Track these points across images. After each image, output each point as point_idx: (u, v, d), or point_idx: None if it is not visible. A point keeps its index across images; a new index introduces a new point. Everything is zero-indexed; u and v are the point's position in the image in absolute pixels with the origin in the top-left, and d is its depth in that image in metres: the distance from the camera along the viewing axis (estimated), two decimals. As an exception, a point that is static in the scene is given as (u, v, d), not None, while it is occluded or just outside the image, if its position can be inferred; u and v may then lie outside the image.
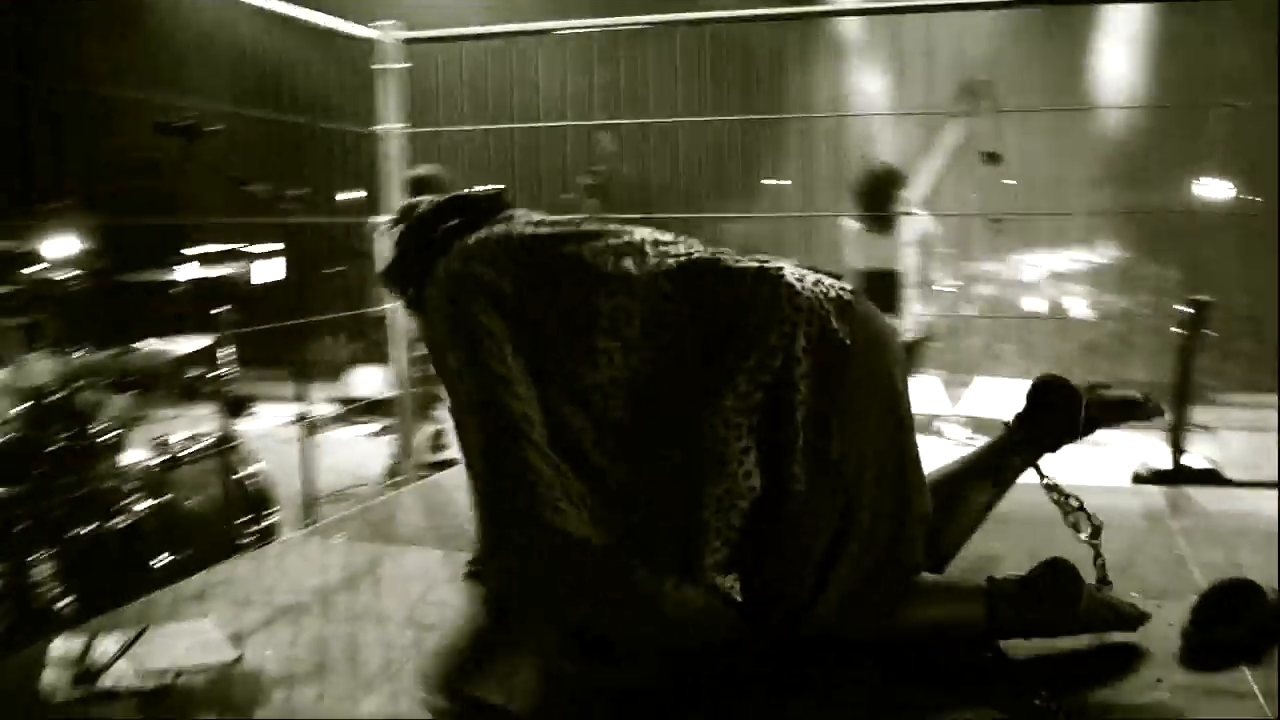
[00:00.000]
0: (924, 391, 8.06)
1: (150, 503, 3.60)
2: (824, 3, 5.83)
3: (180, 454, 3.78)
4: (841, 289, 1.86)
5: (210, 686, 1.87)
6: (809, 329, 1.78)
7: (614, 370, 1.82)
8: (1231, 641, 1.84)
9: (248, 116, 3.57)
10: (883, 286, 5.59)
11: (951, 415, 7.79)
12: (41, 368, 3.91)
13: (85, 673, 1.87)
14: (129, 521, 3.51)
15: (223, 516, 3.86)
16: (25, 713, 1.81)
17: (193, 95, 3.59)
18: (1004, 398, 8.06)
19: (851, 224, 5.84)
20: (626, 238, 1.93)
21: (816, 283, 1.85)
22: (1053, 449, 2.18)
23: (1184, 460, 3.79)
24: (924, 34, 5.59)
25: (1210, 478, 3.78)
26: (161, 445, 3.85)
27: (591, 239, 1.92)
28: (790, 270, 1.86)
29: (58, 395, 3.72)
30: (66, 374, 3.80)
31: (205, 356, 3.94)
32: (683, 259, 1.89)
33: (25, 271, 3.74)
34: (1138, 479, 3.94)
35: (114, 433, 3.66)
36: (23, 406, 3.56)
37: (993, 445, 2.21)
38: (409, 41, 3.76)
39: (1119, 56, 6.80)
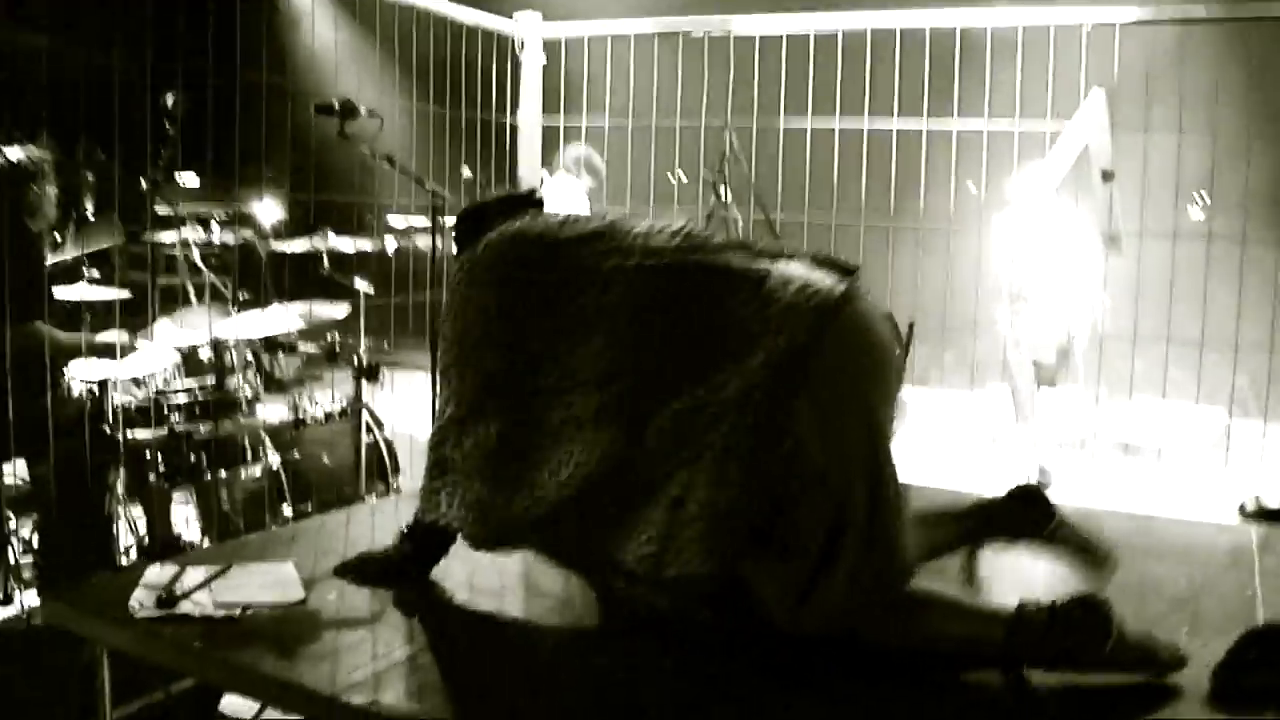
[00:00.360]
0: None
1: (277, 457, 3.88)
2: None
3: (308, 415, 4.04)
4: (828, 295, 1.85)
5: (272, 622, 2.05)
6: (777, 337, 1.81)
7: (599, 360, 1.94)
8: (1260, 686, 1.79)
9: (400, 106, 3.75)
10: None
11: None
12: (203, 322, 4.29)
13: (169, 596, 2.09)
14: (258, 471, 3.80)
15: (348, 475, 4.13)
16: (114, 620, 2.03)
17: (346, 87, 3.82)
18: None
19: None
20: (624, 239, 2.01)
21: (804, 287, 1.86)
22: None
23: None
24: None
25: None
26: (294, 406, 4.13)
27: (593, 239, 2.04)
28: (781, 273, 1.89)
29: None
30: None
31: (344, 324, 4.21)
32: (670, 259, 1.96)
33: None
34: (1243, 514, 3.78)
35: (252, 388, 3.96)
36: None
37: (965, 513, 2.28)
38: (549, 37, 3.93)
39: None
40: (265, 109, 4.03)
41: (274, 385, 4.59)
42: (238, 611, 2.07)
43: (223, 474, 3.70)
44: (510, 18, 4.03)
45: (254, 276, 5.35)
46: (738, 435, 1.80)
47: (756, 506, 1.80)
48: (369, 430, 4.30)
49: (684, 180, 6.27)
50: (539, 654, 1.99)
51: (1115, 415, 8.08)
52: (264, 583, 2.24)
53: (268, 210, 6.98)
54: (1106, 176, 4.87)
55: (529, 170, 3.91)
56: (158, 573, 2.24)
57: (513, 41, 3.99)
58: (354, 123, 3.57)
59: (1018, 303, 5.61)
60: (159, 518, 3.63)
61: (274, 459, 3.89)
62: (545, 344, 2.01)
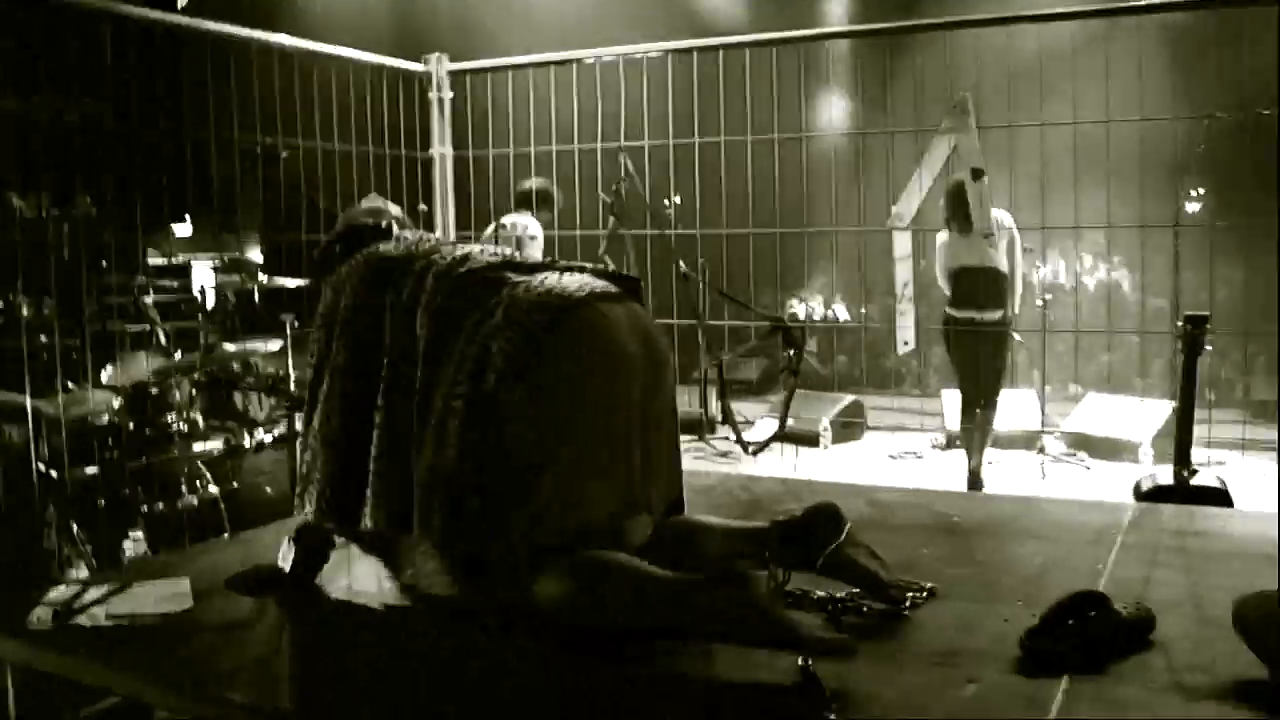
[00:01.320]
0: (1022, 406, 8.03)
1: (213, 487, 4.06)
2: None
3: (242, 444, 4.22)
4: (560, 298, 2.12)
5: (156, 630, 2.21)
6: (509, 334, 2.08)
7: (392, 354, 2.24)
8: (1061, 652, 1.87)
9: (323, 147, 3.97)
10: (984, 281, 6.25)
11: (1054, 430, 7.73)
12: (140, 365, 4.48)
13: (64, 610, 2.27)
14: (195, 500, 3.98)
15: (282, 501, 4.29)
16: (6, 633, 2.21)
17: (271, 131, 4.04)
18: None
19: (942, 234, 6.52)
20: (438, 254, 2.32)
21: (548, 291, 2.14)
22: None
23: (1197, 480, 3.76)
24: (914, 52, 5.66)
25: (1218, 498, 3.74)
26: (229, 435, 4.31)
27: (420, 256, 2.34)
28: (540, 279, 2.19)
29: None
30: (161, 370, 4.32)
31: (277, 356, 4.40)
32: (462, 269, 2.25)
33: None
34: (1138, 494, 3.92)
35: (190, 422, 4.14)
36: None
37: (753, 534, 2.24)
38: (455, 73, 4.13)
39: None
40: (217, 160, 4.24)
41: (238, 419, 4.76)
42: (125, 621, 2.25)
43: (159, 505, 3.88)
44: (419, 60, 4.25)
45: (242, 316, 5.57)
46: (464, 412, 2.08)
47: (475, 478, 2.05)
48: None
49: (679, 203, 6.56)
50: (390, 648, 2.15)
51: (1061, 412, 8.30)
52: (157, 596, 2.41)
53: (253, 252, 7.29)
54: (976, 174, 5.07)
55: (441, 200, 4.10)
56: (61, 591, 2.42)
57: (421, 80, 4.19)
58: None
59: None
60: (106, 548, 3.81)
61: (212, 489, 4.07)
62: (379, 337, 2.28)
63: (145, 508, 3.85)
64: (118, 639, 2.16)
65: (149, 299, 5.41)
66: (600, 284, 2.22)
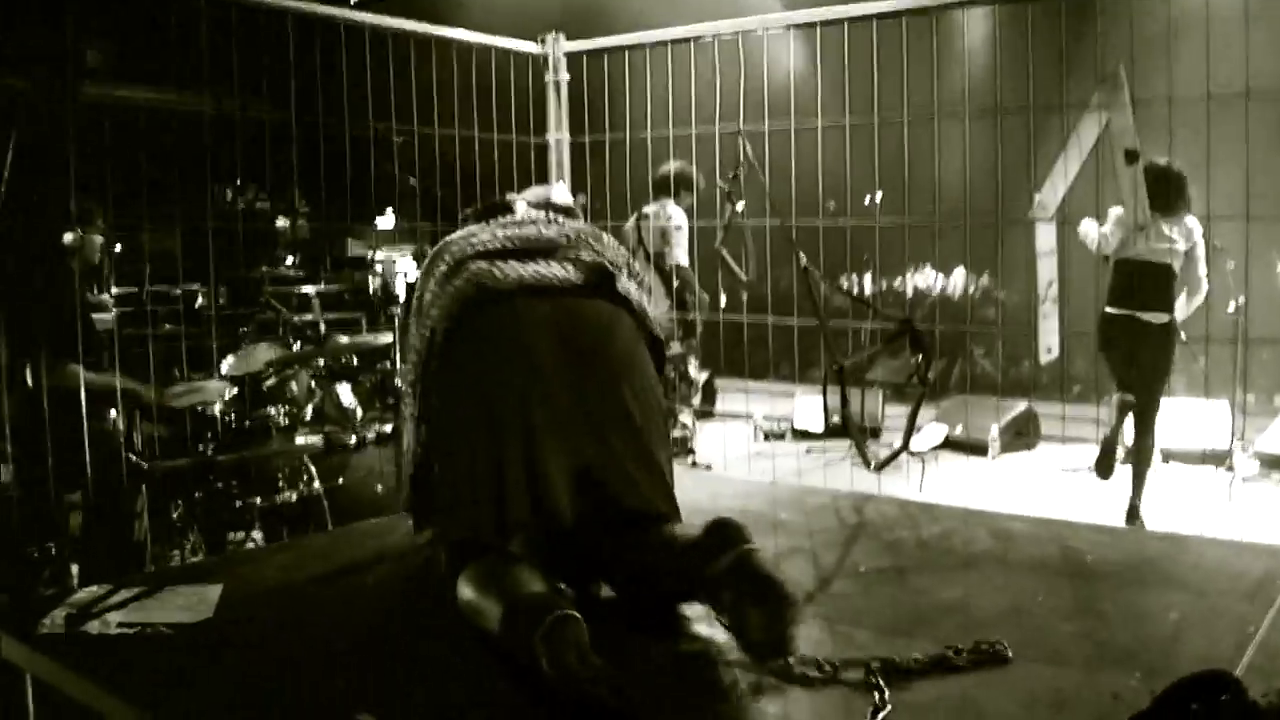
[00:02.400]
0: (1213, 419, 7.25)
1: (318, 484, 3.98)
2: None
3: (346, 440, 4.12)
4: (483, 287, 2.09)
5: (167, 640, 2.06)
6: (434, 324, 2.11)
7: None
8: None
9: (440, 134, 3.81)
10: (1152, 278, 5.49)
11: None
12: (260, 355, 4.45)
13: (78, 615, 2.14)
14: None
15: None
16: (11, 636, 2.09)
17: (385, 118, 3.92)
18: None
19: (1115, 212, 5.63)
20: (475, 238, 2.27)
21: (476, 283, 2.10)
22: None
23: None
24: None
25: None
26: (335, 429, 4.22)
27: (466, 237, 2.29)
28: (494, 269, 2.13)
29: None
30: (276, 360, 4.27)
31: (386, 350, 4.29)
32: (466, 254, 2.23)
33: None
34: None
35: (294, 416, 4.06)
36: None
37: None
38: (572, 55, 3.91)
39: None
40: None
41: (340, 416, 4.67)
42: (134, 630, 2.10)
43: (257, 500, 3.80)
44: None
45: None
46: (409, 401, 2.20)
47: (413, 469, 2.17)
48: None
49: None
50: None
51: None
52: (181, 604, 2.26)
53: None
54: (1131, 157, 4.48)
55: (560, 185, 3.89)
56: (87, 594, 2.30)
57: (538, 61, 4.00)
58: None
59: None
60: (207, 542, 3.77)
61: (315, 485, 3.98)
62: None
63: (239, 502, 3.78)
64: (110, 648, 2.01)
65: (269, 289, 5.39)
66: (560, 275, 2.13)
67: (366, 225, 7.91)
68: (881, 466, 3.51)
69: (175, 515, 3.76)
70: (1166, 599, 2.14)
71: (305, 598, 2.32)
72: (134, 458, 3.61)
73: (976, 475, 7.30)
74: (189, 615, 2.19)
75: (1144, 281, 5.48)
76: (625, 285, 2.20)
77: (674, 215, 6.29)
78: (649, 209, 5.93)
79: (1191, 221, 5.50)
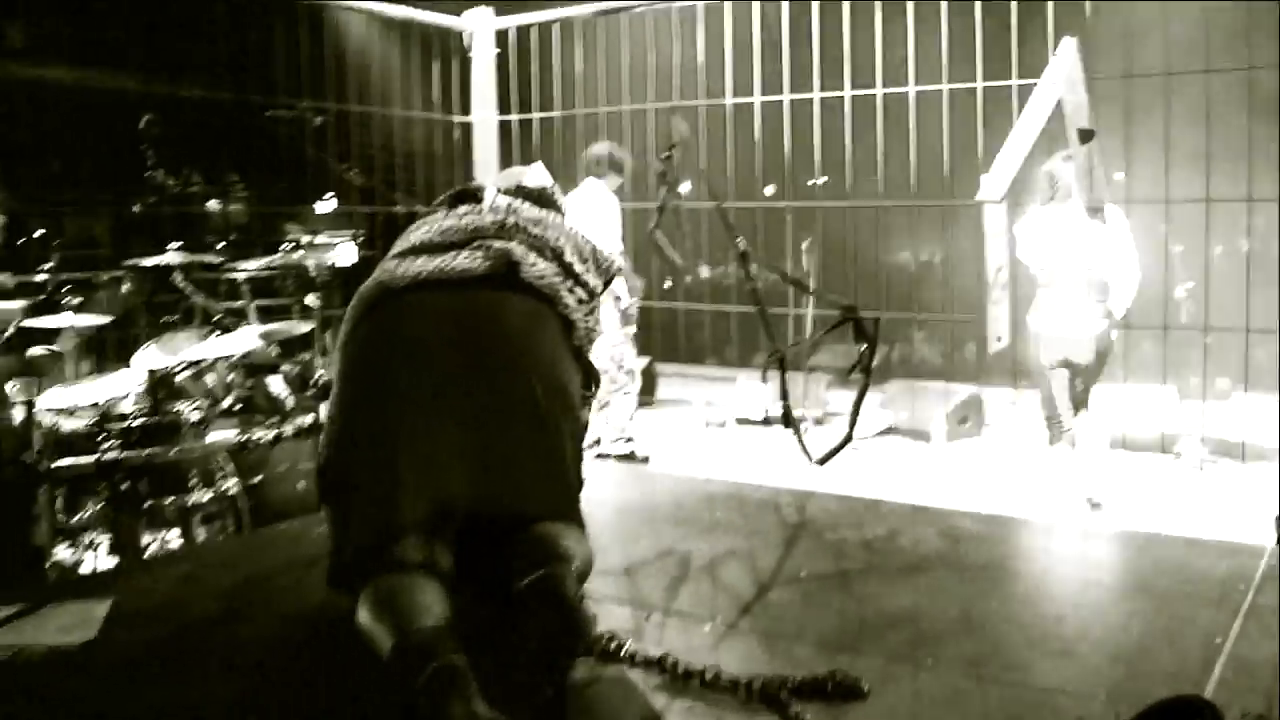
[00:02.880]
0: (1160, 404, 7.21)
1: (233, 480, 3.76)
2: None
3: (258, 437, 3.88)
4: (381, 288, 2.03)
5: (40, 663, 1.86)
6: (350, 319, 2.07)
7: None
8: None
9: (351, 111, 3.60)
10: None
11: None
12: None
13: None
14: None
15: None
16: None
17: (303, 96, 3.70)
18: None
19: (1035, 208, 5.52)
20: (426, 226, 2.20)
21: (378, 279, 2.05)
22: None
23: None
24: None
25: None
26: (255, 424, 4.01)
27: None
28: (399, 266, 2.06)
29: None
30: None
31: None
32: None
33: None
34: None
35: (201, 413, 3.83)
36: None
37: None
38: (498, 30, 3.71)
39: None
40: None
41: (270, 407, 4.43)
42: (8, 654, 1.90)
43: (166, 501, 3.58)
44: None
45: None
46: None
47: None
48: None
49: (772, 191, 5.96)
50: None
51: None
52: (61, 624, 2.06)
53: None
54: (1085, 136, 4.36)
55: (483, 168, 3.69)
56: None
57: (461, 37, 3.79)
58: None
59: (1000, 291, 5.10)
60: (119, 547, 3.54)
61: (232, 483, 3.76)
62: None
63: (148, 503, 3.54)
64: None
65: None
66: (462, 266, 2.03)
67: (306, 208, 7.64)
68: (825, 460, 3.36)
69: (76, 519, 3.52)
70: (1128, 606, 2.03)
71: (199, 618, 2.12)
72: (32, 457, 3.37)
73: (922, 463, 7.20)
74: (68, 636, 1.99)
75: None
76: (533, 271, 2.06)
77: (600, 198, 6.10)
78: (574, 194, 5.75)
79: (1110, 207, 5.39)
